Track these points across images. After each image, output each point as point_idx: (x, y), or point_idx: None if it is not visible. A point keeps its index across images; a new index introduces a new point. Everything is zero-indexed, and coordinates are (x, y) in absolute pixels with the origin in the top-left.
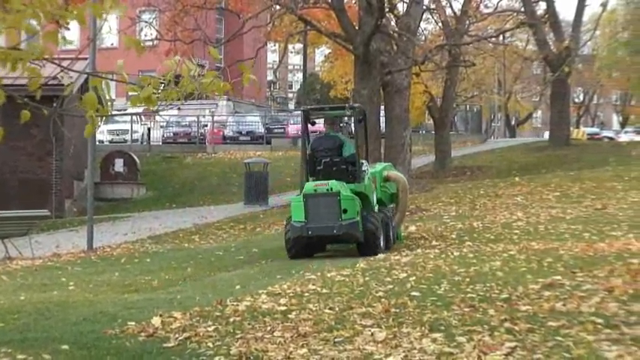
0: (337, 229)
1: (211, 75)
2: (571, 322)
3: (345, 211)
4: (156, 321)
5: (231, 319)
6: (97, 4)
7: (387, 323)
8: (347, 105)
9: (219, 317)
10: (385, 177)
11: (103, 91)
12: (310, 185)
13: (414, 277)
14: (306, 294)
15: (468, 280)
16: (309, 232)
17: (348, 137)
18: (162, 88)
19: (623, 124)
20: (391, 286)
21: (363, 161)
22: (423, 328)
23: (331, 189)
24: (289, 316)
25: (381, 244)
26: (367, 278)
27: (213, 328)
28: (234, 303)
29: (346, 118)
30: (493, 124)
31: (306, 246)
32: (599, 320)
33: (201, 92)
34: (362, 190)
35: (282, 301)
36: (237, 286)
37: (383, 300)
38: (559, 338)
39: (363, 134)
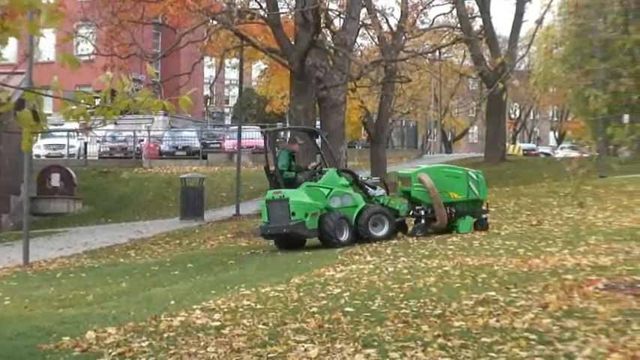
0: (286, 229)
1: (146, 94)
2: (504, 338)
3: (293, 213)
4: (90, 336)
5: (165, 335)
6: (33, 20)
7: (320, 339)
8: (264, 130)
9: (154, 332)
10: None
11: (37, 107)
12: (270, 193)
13: (348, 293)
14: (240, 309)
15: (402, 295)
16: (268, 231)
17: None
18: (96, 104)
19: (559, 140)
20: (325, 302)
21: (327, 169)
22: (357, 343)
23: (283, 196)
24: (223, 331)
25: (340, 239)
26: (301, 294)
27: (147, 343)
28: (169, 318)
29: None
30: (429, 140)
31: (285, 242)
32: (533, 336)
33: (137, 109)
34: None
35: (217, 316)
36: (172, 302)
37: (317, 315)
38: (492, 354)
39: (314, 148)
